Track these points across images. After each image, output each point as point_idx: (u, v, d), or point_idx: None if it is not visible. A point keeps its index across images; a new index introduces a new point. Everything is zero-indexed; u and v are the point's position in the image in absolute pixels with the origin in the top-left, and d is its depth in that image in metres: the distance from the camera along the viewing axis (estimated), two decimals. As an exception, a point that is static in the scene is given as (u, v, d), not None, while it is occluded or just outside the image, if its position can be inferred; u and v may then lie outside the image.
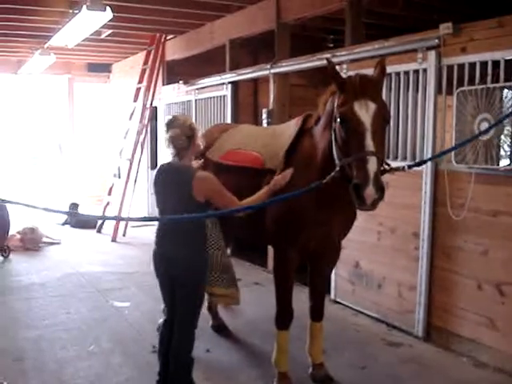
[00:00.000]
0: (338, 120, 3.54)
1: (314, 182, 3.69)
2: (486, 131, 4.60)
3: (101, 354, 5.23)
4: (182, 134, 3.95)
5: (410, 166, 3.82)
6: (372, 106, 3.48)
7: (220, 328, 5.75)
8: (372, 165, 3.32)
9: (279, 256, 4.46)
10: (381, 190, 3.32)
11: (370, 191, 3.28)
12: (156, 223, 4.39)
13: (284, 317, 4.46)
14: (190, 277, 4.02)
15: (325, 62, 6.71)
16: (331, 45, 10.36)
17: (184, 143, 3.97)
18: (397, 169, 3.78)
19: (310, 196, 3.86)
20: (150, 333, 5.54)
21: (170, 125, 4.02)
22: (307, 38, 9.86)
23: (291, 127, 4.49)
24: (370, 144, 3.39)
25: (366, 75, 3.66)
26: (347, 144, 3.51)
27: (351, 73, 6.18)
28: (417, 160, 5.47)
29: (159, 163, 11.63)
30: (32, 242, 9.79)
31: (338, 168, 3.60)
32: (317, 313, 4.70)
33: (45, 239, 10.19)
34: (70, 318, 6.18)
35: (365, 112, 3.46)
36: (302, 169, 4.14)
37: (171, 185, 4.03)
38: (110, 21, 8.19)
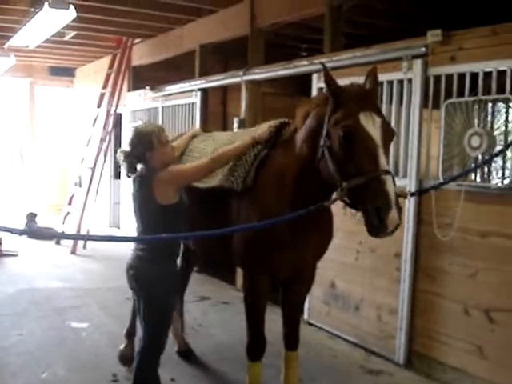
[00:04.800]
0: (341, 135, 3.09)
1: (314, 205, 3.24)
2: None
3: (55, 382, 4.74)
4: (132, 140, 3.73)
5: (412, 194, 3.46)
6: (378, 120, 3.10)
7: (186, 354, 5.26)
8: (390, 185, 2.94)
9: (249, 281, 4.01)
10: (401, 213, 2.96)
11: (393, 215, 2.88)
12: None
13: (256, 347, 4.05)
14: (148, 291, 3.67)
15: (302, 69, 6.57)
16: (304, 53, 10.06)
17: (134, 151, 3.70)
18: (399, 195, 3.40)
19: (282, 215, 3.46)
20: (111, 359, 5.06)
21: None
22: (279, 46, 9.53)
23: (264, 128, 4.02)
24: (383, 162, 3.00)
25: (363, 85, 3.29)
26: (354, 163, 3.06)
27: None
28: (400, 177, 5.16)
29: (122, 172, 11.40)
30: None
31: (343, 190, 3.10)
32: (292, 341, 4.26)
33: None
34: (22, 340, 5.65)
35: (372, 126, 3.07)
36: (273, 187, 3.76)
37: (137, 192, 3.76)
38: (74, 21, 7.77)
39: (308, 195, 3.50)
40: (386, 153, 3.08)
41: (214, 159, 3.73)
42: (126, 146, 3.80)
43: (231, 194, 3.96)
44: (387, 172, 2.98)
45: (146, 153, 3.65)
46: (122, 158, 3.74)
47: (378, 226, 2.94)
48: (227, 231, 3.78)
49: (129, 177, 3.83)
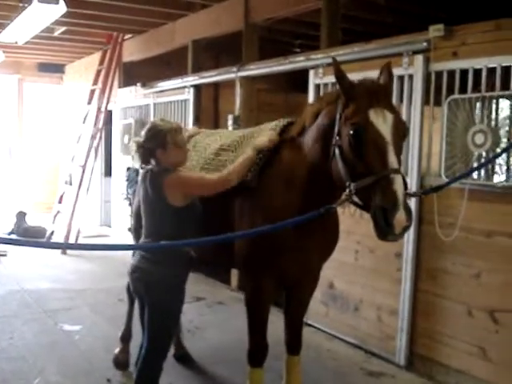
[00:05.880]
0: (350, 132, 2.96)
1: (323, 207, 3.06)
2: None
3: (47, 389, 4.61)
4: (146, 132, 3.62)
5: (424, 193, 3.34)
6: (390, 116, 2.96)
7: (183, 358, 5.12)
8: (399, 185, 2.79)
9: (252, 286, 3.83)
10: (410, 214, 2.82)
11: (400, 216, 2.74)
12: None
13: (258, 353, 3.89)
14: (154, 295, 3.53)
15: (298, 65, 6.43)
16: (298, 49, 9.92)
17: (146, 144, 3.57)
18: (413, 194, 3.26)
19: (289, 217, 3.29)
20: (105, 363, 4.93)
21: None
22: (272, 41, 9.38)
23: (265, 135, 3.83)
24: (393, 160, 2.85)
25: (376, 80, 3.16)
26: (363, 162, 2.93)
27: (328, 78, 5.76)
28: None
29: (113, 170, 11.24)
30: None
31: (351, 190, 2.98)
32: (294, 345, 4.11)
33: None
34: (12, 344, 5.48)
35: (383, 122, 2.92)
36: (280, 188, 3.60)
37: (146, 187, 3.62)
38: (64, 17, 7.61)
39: (318, 196, 3.36)
40: (398, 151, 2.94)
41: (222, 177, 3.53)
42: (140, 136, 3.66)
43: (235, 193, 3.77)
44: (396, 171, 2.84)
45: (157, 149, 3.52)
46: (134, 147, 3.60)
47: (384, 228, 2.81)
48: (231, 237, 3.63)
49: (142, 168, 3.69)
